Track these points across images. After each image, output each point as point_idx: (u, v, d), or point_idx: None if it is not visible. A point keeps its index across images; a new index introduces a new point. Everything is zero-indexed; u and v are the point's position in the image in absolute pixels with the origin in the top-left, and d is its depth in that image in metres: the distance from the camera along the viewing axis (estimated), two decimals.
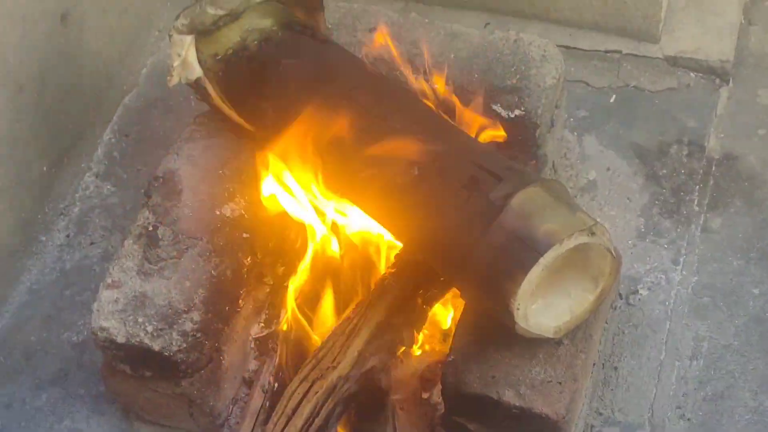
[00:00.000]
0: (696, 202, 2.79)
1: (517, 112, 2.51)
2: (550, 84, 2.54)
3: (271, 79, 2.39)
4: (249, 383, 2.54)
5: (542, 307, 2.10)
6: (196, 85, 2.45)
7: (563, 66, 2.59)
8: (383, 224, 2.32)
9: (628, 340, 2.59)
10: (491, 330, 2.20)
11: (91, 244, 2.85)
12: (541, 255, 2.00)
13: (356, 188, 2.30)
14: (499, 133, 2.46)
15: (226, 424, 2.51)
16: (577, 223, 2.06)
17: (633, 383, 2.53)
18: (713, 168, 2.85)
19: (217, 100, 2.46)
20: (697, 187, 2.81)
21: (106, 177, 2.97)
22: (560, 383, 2.17)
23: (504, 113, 2.51)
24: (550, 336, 2.13)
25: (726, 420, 2.48)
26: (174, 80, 2.44)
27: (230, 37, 2.43)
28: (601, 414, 2.49)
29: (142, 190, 2.87)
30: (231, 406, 2.51)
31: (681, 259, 2.70)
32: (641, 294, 2.64)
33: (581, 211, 2.09)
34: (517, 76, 2.53)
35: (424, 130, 2.25)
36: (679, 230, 2.74)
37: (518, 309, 2.03)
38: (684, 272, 2.69)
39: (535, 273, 2.01)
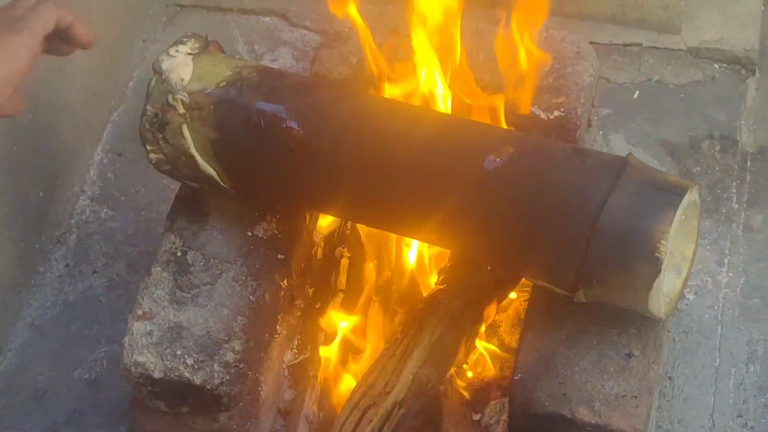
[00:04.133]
0: (735, 200, 2.85)
1: (556, 113, 2.56)
2: (588, 82, 2.60)
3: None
4: (285, 414, 2.54)
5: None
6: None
7: (598, 62, 2.64)
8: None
9: (680, 347, 2.63)
10: (557, 345, 2.24)
11: (94, 273, 2.83)
12: (682, 196, 2.05)
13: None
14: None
15: None
16: (687, 180, 2.13)
17: (690, 393, 2.57)
18: (748, 163, 2.92)
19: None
20: (734, 183, 2.87)
21: (102, 200, 2.95)
22: (635, 397, 2.19)
23: (543, 115, 2.55)
24: (665, 307, 2.14)
25: None
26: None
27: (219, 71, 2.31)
28: (660, 427, 2.53)
29: (143, 212, 2.90)
30: None
31: (725, 260, 2.75)
32: (689, 299, 2.69)
33: None
34: (553, 75, 2.58)
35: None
36: (720, 230, 2.80)
37: (666, 254, 2.02)
38: (730, 274, 2.74)
39: (679, 215, 2.04)
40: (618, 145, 2.92)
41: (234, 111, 2.26)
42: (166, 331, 2.30)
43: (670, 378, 2.58)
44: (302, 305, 2.59)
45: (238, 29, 3.26)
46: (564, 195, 2.11)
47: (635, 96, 3.04)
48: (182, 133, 2.27)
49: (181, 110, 2.25)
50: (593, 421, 2.18)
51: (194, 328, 2.30)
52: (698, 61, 3.07)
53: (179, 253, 2.38)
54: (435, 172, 2.18)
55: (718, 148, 2.93)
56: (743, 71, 3.06)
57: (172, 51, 2.29)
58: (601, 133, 2.94)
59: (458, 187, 2.17)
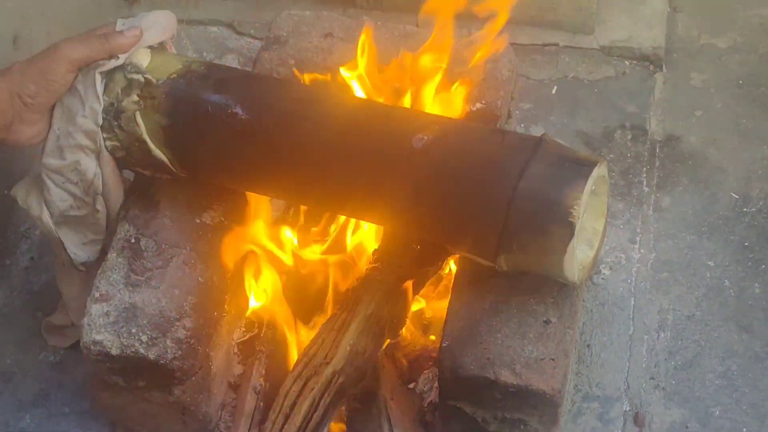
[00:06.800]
0: (645, 184, 2.94)
1: (478, 105, 2.62)
2: (507, 77, 2.66)
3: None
4: (235, 387, 2.60)
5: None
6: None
7: (516, 59, 2.72)
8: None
9: (597, 318, 2.71)
10: (481, 314, 2.30)
11: None
12: (592, 168, 2.12)
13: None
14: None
15: (216, 429, 2.56)
16: (596, 156, 2.22)
17: (606, 359, 2.66)
18: (657, 150, 3.01)
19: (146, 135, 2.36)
20: (645, 169, 2.96)
21: None
22: (553, 359, 2.26)
23: (466, 106, 2.62)
24: (578, 273, 2.19)
25: (698, 386, 2.62)
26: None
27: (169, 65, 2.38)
28: (579, 390, 2.61)
29: None
30: (220, 411, 2.57)
31: (637, 238, 2.84)
32: (604, 273, 2.77)
33: None
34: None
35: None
36: (632, 211, 2.89)
37: (579, 218, 2.08)
38: (642, 250, 2.83)
39: (590, 184, 2.10)
40: None
41: (184, 99, 2.32)
42: (122, 311, 2.35)
43: (588, 346, 2.66)
44: None
45: (188, 38, 3.31)
46: (486, 167, 2.17)
47: (553, 91, 3.12)
48: (136, 120, 2.32)
49: (135, 98, 2.31)
50: (515, 383, 2.24)
51: (148, 308, 2.36)
52: (610, 58, 3.16)
53: (133, 240, 2.43)
54: (369, 153, 2.24)
55: (629, 137, 3.02)
56: (651, 67, 3.15)
57: None
58: (522, 125, 3.03)
59: (390, 165, 2.23)
